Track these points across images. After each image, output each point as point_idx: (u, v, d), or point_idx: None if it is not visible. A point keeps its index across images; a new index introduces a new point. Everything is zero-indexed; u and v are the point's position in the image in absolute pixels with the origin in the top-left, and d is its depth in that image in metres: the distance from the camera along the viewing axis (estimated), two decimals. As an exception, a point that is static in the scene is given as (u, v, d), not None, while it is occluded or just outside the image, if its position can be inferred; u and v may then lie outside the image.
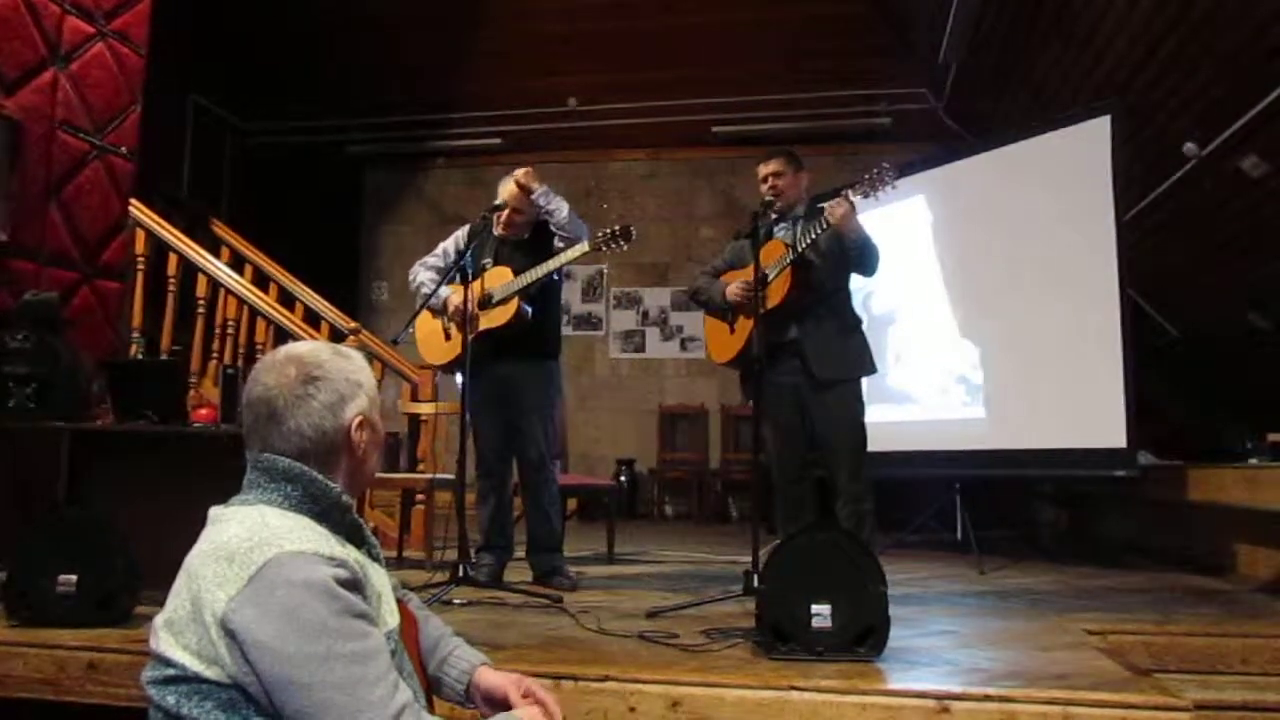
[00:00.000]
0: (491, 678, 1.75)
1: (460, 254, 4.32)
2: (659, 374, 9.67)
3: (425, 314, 4.29)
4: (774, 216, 4.05)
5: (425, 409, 5.60)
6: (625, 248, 4.07)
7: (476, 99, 9.22)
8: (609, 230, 4.06)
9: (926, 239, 6.14)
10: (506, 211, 4.27)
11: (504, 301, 4.15)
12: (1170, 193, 5.74)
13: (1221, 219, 5.59)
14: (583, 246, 4.13)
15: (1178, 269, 6.33)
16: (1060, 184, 5.36)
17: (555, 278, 4.32)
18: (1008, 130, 6.10)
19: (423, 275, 4.34)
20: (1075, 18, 5.81)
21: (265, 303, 6.00)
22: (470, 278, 4.00)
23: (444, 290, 4.25)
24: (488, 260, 4.27)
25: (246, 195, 9.13)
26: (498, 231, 4.34)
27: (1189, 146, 5.35)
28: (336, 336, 6.00)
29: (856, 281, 4.08)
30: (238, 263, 6.47)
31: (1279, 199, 5.04)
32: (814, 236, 3.80)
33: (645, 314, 9.77)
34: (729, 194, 9.62)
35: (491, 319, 4.15)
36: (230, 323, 6.01)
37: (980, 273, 5.78)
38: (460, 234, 4.48)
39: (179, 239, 5.98)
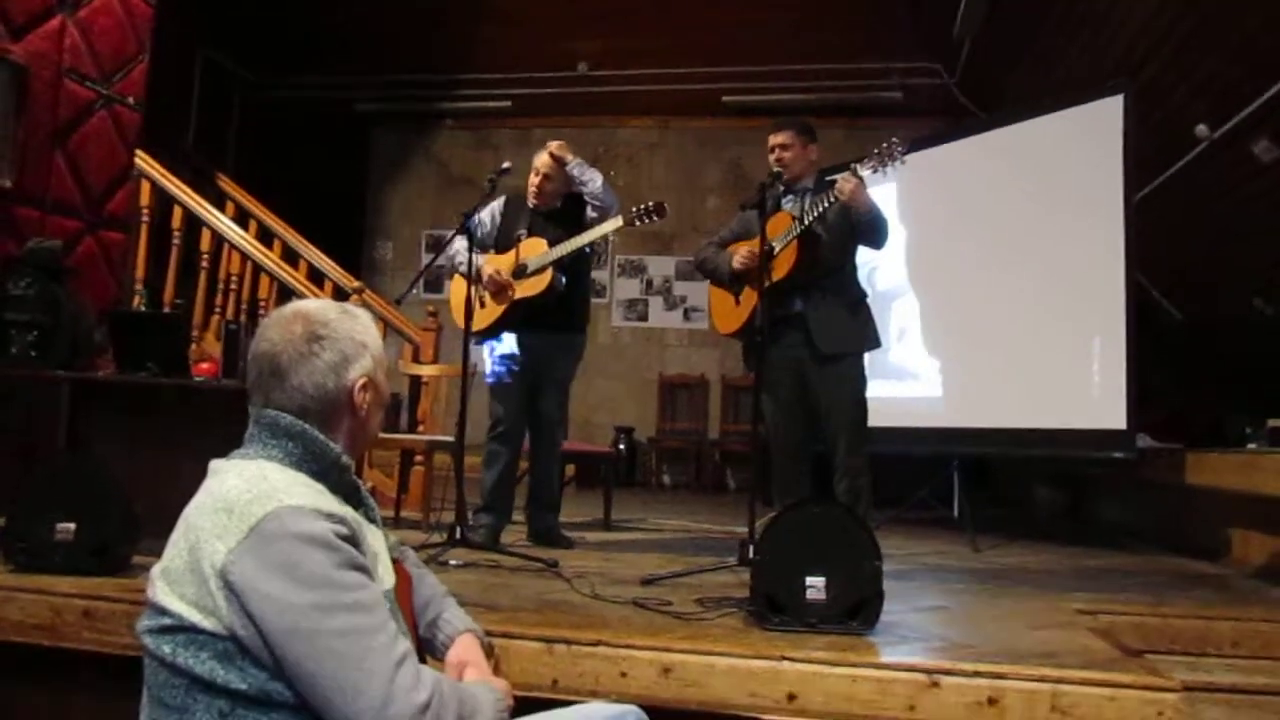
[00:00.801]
0: (455, 649, 1.78)
1: (492, 221, 4.49)
2: (660, 343, 9.68)
3: (459, 281, 4.33)
4: (781, 189, 4.04)
5: (427, 370, 5.61)
6: (658, 222, 4.14)
7: (487, 61, 9.16)
8: (643, 205, 4.17)
9: (934, 215, 6.11)
10: (538, 179, 4.39)
11: (539, 272, 4.22)
12: (1180, 175, 5.71)
13: (1231, 203, 5.57)
14: (616, 221, 4.23)
15: (1184, 253, 6.30)
16: (1071, 163, 5.33)
17: (588, 250, 4.42)
18: (1020, 108, 6.06)
19: (457, 243, 4.35)
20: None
21: (269, 259, 5.99)
22: (472, 241, 4.05)
23: (479, 258, 4.32)
24: (522, 231, 4.35)
25: (253, 151, 9.09)
26: (531, 203, 4.43)
27: (1201, 129, 5.32)
28: (340, 295, 6.01)
29: (863, 255, 4.07)
30: (242, 218, 6.46)
31: (1289, 185, 5.02)
32: (821, 210, 3.79)
33: (649, 283, 9.76)
34: (737, 164, 9.59)
35: (526, 289, 4.24)
36: (233, 278, 6.00)
37: (987, 251, 5.76)
38: (496, 205, 4.56)
39: (184, 192, 5.97)
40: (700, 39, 8.40)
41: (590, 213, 4.32)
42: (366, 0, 8.33)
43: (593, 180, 4.33)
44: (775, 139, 4.03)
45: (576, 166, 4.36)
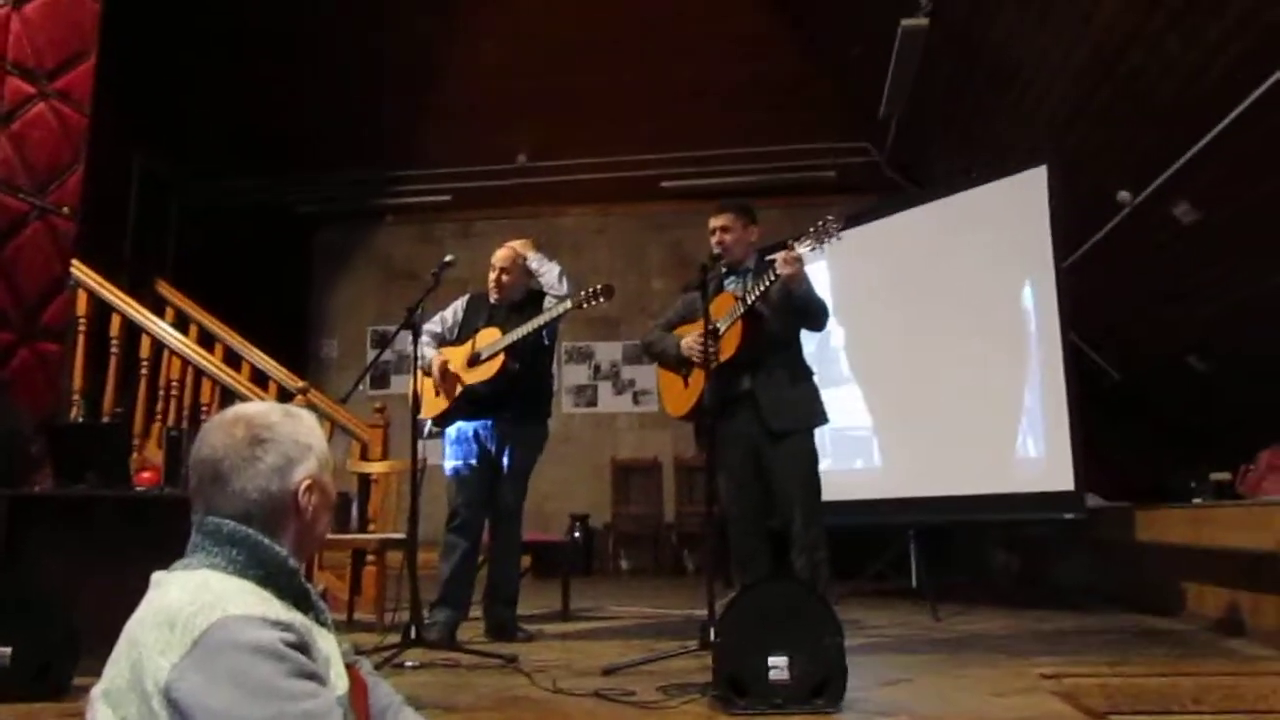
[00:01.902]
0: None
1: (454, 318, 4.64)
2: (611, 427, 9.67)
3: (421, 375, 4.36)
4: (724, 269, 4.10)
5: (376, 468, 5.54)
6: (605, 304, 4.22)
7: (425, 156, 9.25)
8: (591, 289, 4.23)
9: (870, 290, 6.22)
10: (496, 274, 4.50)
11: (491, 358, 4.29)
12: (1107, 239, 5.89)
13: (1157, 264, 5.74)
14: (565, 304, 4.30)
15: (1116, 313, 6.47)
16: (1001, 233, 5.47)
17: (547, 341, 4.51)
18: (948, 181, 6.23)
19: (421, 341, 4.39)
20: (1011, 72, 5.98)
21: (210, 362, 5.92)
22: (416, 334, 4.08)
23: (430, 353, 4.46)
24: (480, 324, 4.46)
25: (192, 254, 9.03)
26: (493, 298, 4.54)
27: (1123, 195, 5.50)
28: (284, 396, 5.94)
29: (805, 333, 4.12)
30: (182, 322, 6.40)
31: (1209, 245, 5.19)
32: (764, 288, 3.84)
33: (597, 368, 9.78)
34: (679, 247, 9.70)
35: (477, 374, 4.30)
36: (174, 384, 5.91)
37: (924, 322, 5.86)
38: (459, 303, 4.70)
39: (121, 299, 5.90)
40: (637, 126, 8.58)
41: (547, 303, 4.40)
42: (302, 102, 8.42)
43: (549, 272, 4.44)
44: (716, 221, 4.10)
45: (535, 260, 4.49)
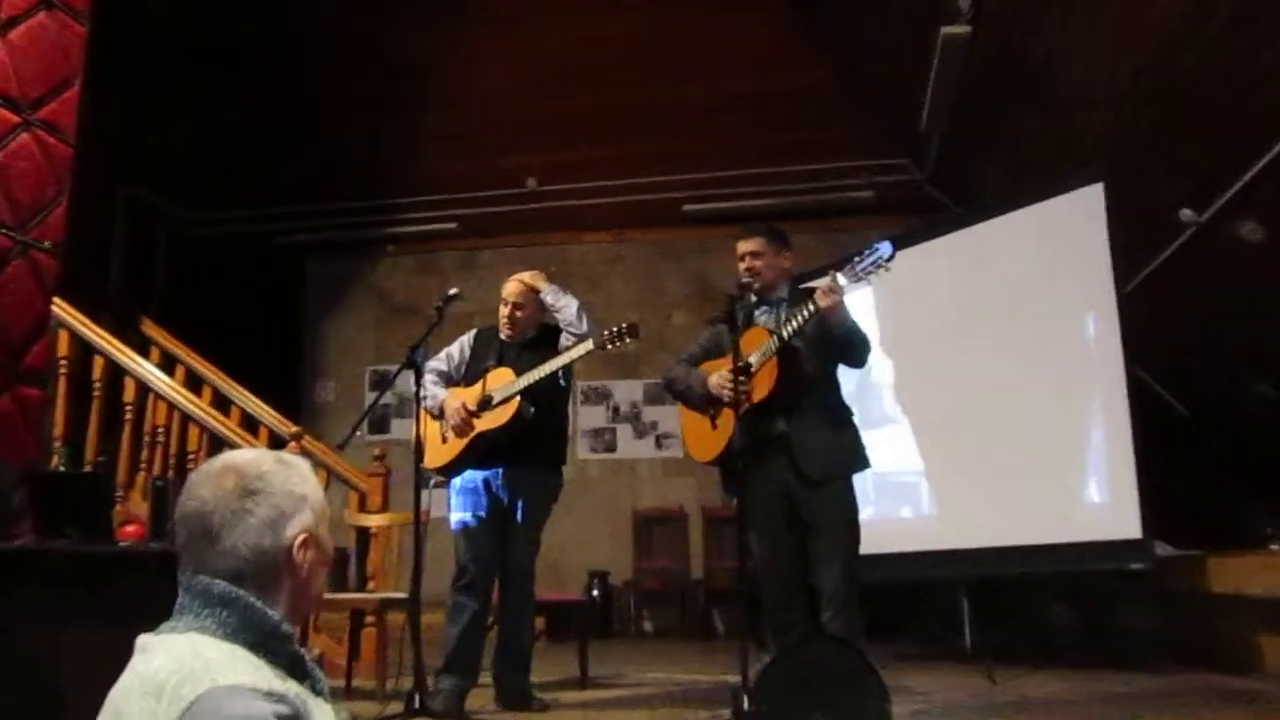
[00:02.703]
0: None
1: (461, 355, 4.64)
2: (632, 474, 9.64)
3: (426, 417, 4.40)
4: (754, 299, 4.09)
5: (376, 520, 5.54)
6: (630, 345, 4.20)
7: (428, 182, 9.32)
8: (615, 329, 4.24)
9: (914, 320, 6.21)
10: (509, 310, 4.50)
11: (504, 402, 4.29)
12: (1168, 262, 5.86)
13: (1221, 287, 5.70)
14: (587, 345, 4.30)
15: (1180, 341, 6.42)
16: (1055, 255, 5.46)
17: (563, 383, 4.51)
18: (996, 200, 6.23)
19: (426, 380, 4.43)
20: (1060, 81, 5.99)
21: (198, 407, 5.97)
22: (419, 373, 4.09)
23: (442, 393, 4.47)
24: (490, 362, 4.46)
25: (180, 290, 9.13)
26: (504, 334, 4.54)
27: (1186, 213, 5.48)
28: (277, 442, 5.97)
29: (843, 370, 4.09)
30: (168, 363, 6.45)
31: (1278, 264, 5.16)
32: (800, 322, 3.80)
33: (615, 409, 9.76)
34: (703, 276, 9.70)
35: (490, 420, 4.31)
36: (160, 430, 5.96)
37: (975, 355, 5.84)
38: (466, 338, 4.71)
39: (105, 340, 5.96)
40: (656, 146, 8.61)
41: (565, 341, 4.40)
42: (297, 127, 8.52)
43: (567, 307, 4.44)
44: (744, 246, 4.08)
45: (551, 293, 4.49)
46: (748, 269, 4.04)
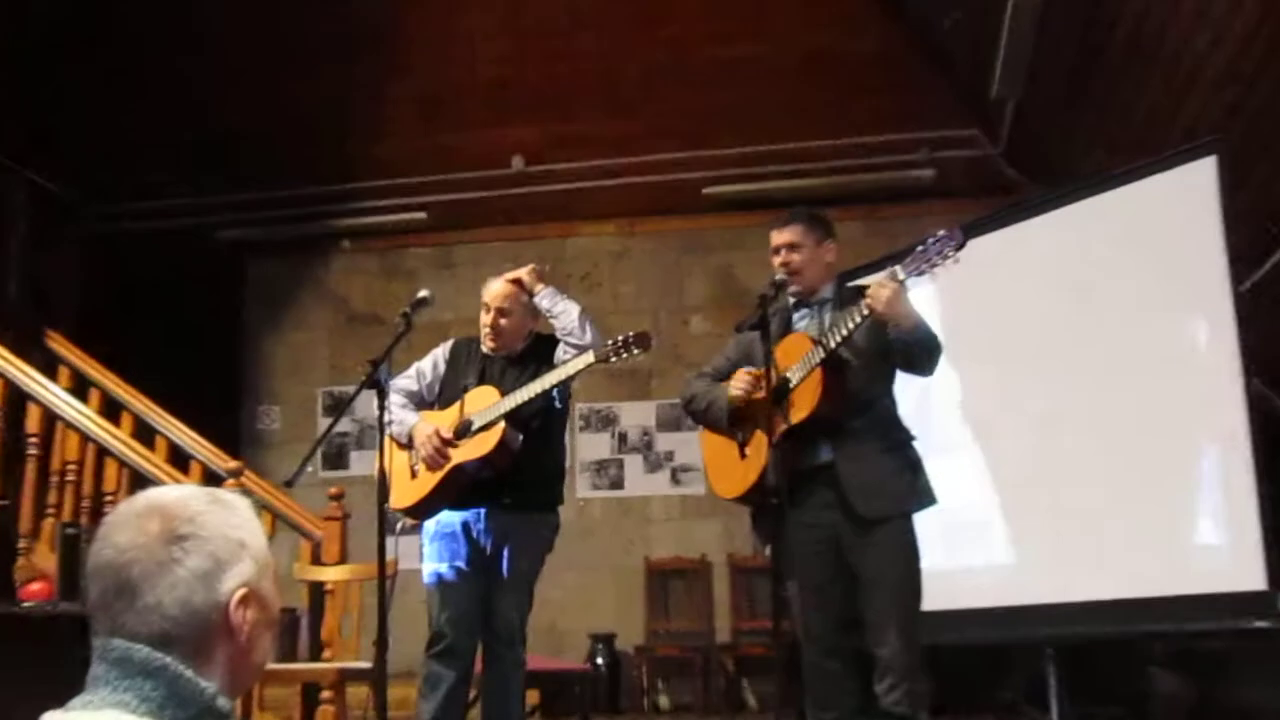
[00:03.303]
0: None
1: (434, 371, 4.64)
2: (643, 517, 9.62)
3: (392, 447, 4.39)
4: (792, 301, 4.08)
5: (332, 574, 5.54)
6: (640, 358, 4.22)
7: (392, 164, 9.31)
8: (620, 338, 4.24)
9: (990, 325, 6.19)
10: (492, 317, 4.48)
11: (487, 428, 4.26)
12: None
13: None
14: (587, 359, 4.28)
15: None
16: (1156, 246, 5.45)
17: (559, 404, 4.51)
18: (1083, 179, 6.21)
19: (392, 403, 4.42)
20: (1157, 36, 5.98)
21: (116, 439, 5.98)
22: (383, 394, 4.08)
23: (411, 418, 4.45)
24: (470, 380, 4.46)
25: (95, 297, 9.14)
26: (486, 347, 4.54)
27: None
28: (212, 479, 5.98)
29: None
30: (81, 387, 6.47)
31: None
32: (850, 328, 3.77)
33: (622, 437, 9.74)
34: (728, 274, 9.69)
35: (469, 450, 4.29)
36: (70, 466, 5.97)
37: (1059, 367, 5.83)
38: (440, 351, 4.70)
39: (3, 359, 5.98)
40: (671, 117, 8.63)
41: (562, 354, 4.39)
42: (231, 100, 8.52)
43: (566, 313, 4.41)
44: (780, 237, 4.06)
45: (545, 296, 4.46)
46: (784, 264, 4.02)
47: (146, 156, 9.03)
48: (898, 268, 3.72)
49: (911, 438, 4.04)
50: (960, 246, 3.64)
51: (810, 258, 4.04)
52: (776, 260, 4.05)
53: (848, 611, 3.91)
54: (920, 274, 3.70)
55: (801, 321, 4.07)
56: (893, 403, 4.03)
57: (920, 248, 3.69)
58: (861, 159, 8.80)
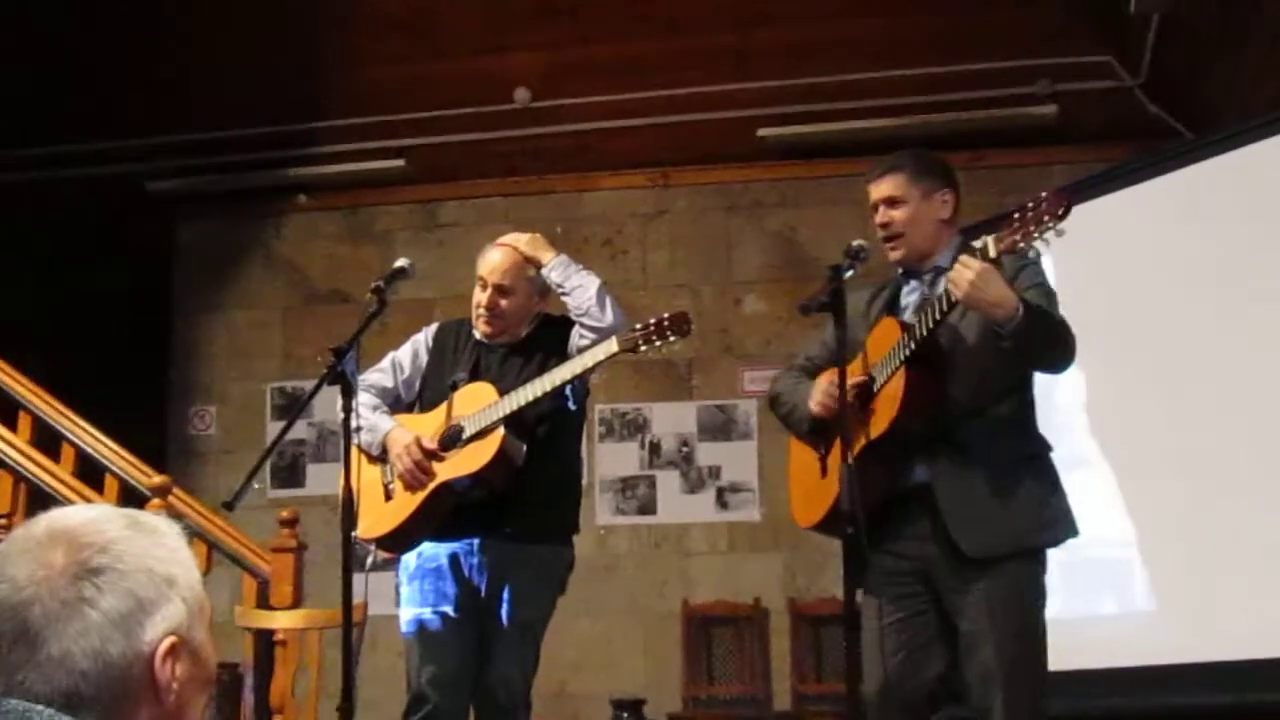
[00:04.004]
0: None
1: (413, 363, 4.65)
2: (680, 549, 9.61)
3: (361, 460, 4.38)
4: (899, 272, 4.08)
5: (284, 621, 5.57)
6: (678, 347, 4.22)
7: (360, 97, 9.33)
8: (652, 322, 4.22)
9: (1122, 308, 6.17)
10: (488, 295, 4.47)
11: (482, 435, 4.25)
12: None
13: None
14: (609, 347, 4.26)
15: None
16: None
17: (573, 406, 4.51)
18: (1248, 120, 6.17)
19: (361, 403, 4.40)
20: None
21: (11, 446, 6.01)
22: (350, 391, 4.07)
23: (385, 423, 4.44)
24: (461, 375, 4.45)
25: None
26: (479, 332, 4.54)
27: None
28: (131, 498, 6.00)
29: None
30: (-37, 381, 6.51)
31: None
32: (939, 314, 3.75)
33: (654, 447, 9.72)
34: (788, 239, 9.62)
35: (459, 464, 4.29)
36: (-49, 482, 6.02)
37: (1218, 361, 5.81)
38: (423, 336, 4.71)
39: None
40: (715, 37, 8.60)
41: (579, 340, 4.38)
42: (156, 21, 8.52)
43: (582, 289, 4.40)
44: (876, 190, 4.04)
45: (556, 267, 4.44)
46: (881, 224, 4.01)
47: (45, 91, 9.01)
48: (987, 241, 3.68)
49: (1046, 448, 4.01)
50: (1065, 214, 3.54)
51: (916, 214, 3.98)
52: (877, 219, 4.03)
53: (940, 671, 3.90)
54: (1014, 250, 3.65)
55: (910, 295, 4.05)
56: (1020, 406, 3.98)
57: (1016, 215, 3.64)
58: (962, 92, 8.74)
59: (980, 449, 3.86)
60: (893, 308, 4.02)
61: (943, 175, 4.08)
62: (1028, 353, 3.81)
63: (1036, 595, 3.87)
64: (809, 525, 4.12)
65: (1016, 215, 3.62)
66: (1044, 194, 3.63)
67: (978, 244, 3.71)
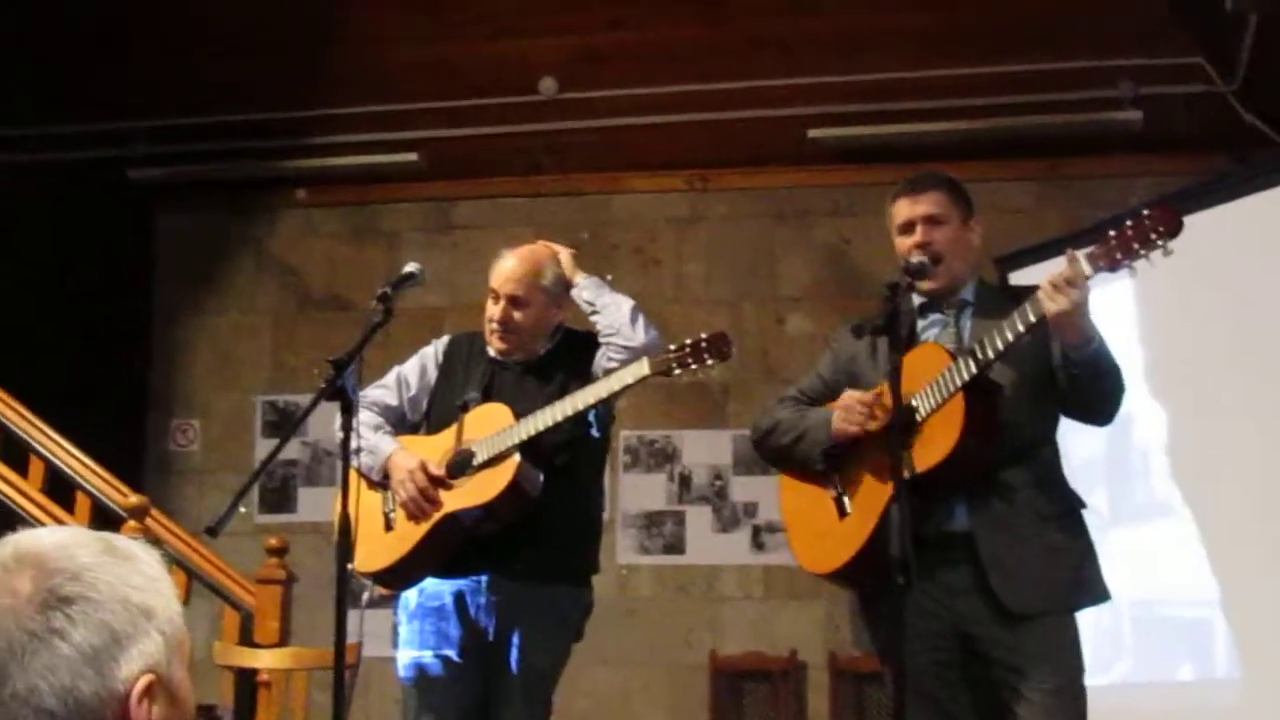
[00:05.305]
0: None
1: (421, 381, 4.66)
2: (711, 595, 9.62)
3: (360, 485, 4.35)
4: (916, 301, 4.08)
5: (269, 660, 5.58)
6: (715, 370, 4.25)
7: (369, 83, 9.35)
8: (686, 343, 4.21)
9: (1209, 340, 6.17)
10: (502, 308, 4.47)
11: (494, 463, 4.26)
12: None
13: None
14: (639, 369, 4.26)
15: None
16: None
17: (595, 433, 4.51)
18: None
19: (362, 421, 4.39)
20: None
21: (-28, 460, 6.05)
22: (350, 408, 4.07)
23: (387, 444, 4.45)
24: (473, 395, 4.45)
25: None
26: (494, 349, 4.56)
27: None
28: (105, 520, 6.02)
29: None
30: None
31: None
32: (1012, 338, 3.72)
33: (684, 480, 9.73)
34: (839, 251, 9.65)
35: (468, 495, 4.30)
36: (-93, 497, 6.05)
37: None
38: (432, 350, 4.73)
39: None
40: (763, 27, 8.61)
41: (605, 362, 4.39)
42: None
43: (614, 307, 4.43)
44: (914, 208, 4.06)
45: (588, 288, 4.48)
46: (920, 244, 4.00)
47: (24, 68, 9.06)
48: (1080, 258, 3.63)
49: (1081, 504, 4.02)
50: (1177, 230, 3.53)
51: (956, 238, 4.02)
52: (908, 241, 4.03)
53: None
54: (1115, 269, 3.61)
55: (929, 330, 4.06)
56: (1056, 455, 4.01)
57: (1113, 232, 3.60)
58: (1037, 93, 8.72)
59: (1025, 495, 3.89)
60: (912, 338, 3.99)
61: (971, 205, 4.13)
62: (1089, 390, 3.82)
63: (1078, 654, 3.89)
64: (826, 572, 4.12)
65: (1114, 231, 3.57)
66: (1148, 207, 3.59)
67: (1079, 254, 3.65)
